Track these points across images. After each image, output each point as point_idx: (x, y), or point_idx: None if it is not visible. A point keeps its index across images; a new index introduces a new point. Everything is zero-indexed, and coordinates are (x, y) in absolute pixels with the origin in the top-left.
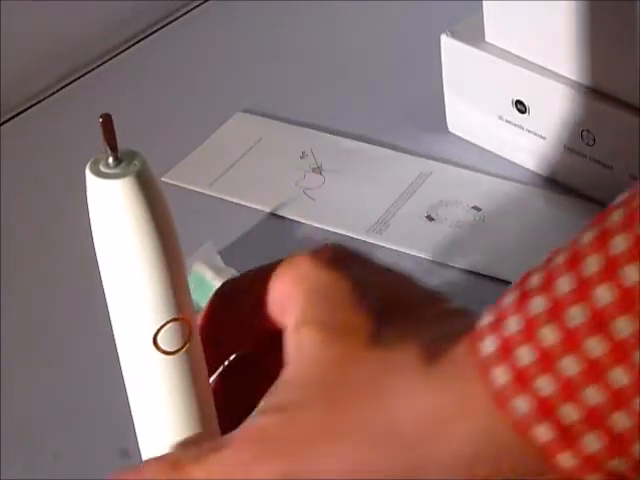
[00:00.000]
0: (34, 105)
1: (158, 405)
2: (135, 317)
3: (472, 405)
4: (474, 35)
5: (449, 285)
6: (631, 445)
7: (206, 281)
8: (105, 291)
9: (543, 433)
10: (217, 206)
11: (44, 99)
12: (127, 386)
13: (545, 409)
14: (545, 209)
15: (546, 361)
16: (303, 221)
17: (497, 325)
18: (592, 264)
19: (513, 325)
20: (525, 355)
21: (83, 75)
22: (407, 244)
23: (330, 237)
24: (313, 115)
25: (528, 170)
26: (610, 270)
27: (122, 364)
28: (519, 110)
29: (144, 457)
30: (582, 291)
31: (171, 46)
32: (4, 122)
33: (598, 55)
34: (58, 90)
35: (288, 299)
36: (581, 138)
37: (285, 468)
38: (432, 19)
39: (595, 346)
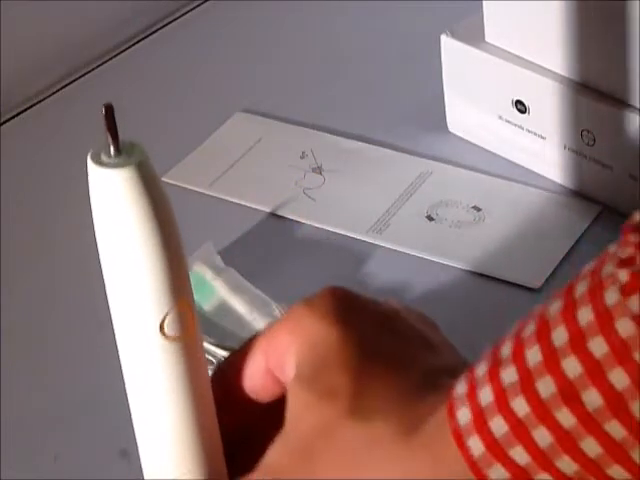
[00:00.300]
0: (34, 105)
1: (161, 393)
2: (139, 305)
3: (448, 471)
4: (474, 35)
5: (449, 285)
6: None
7: (206, 281)
8: (106, 281)
9: None
10: (217, 206)
11: (44, 99)
12: (127, 377)
13: (520, 478)
14: (545, 209)
15: (519, 432)
16: (303, 221)
17: (471, 395)
18: (560, 336)
19: (486, 396)
20: (499, 426)
21: (83, 75)
22: (407, 244)
23: (330, 237)
24: (313, 115)
25: (528, 170)
26: (577, 342)
27: (122, 355)
28: (519, 110)
29: (142, 453)
30: (551, 362)
31: (171, 46)
32: (4, 122)
33: (598, 55)
34: (58, 90)
35: (285, 353)
36: (581, 138)
37: None
38: (432, 19)
39: (566, 417)
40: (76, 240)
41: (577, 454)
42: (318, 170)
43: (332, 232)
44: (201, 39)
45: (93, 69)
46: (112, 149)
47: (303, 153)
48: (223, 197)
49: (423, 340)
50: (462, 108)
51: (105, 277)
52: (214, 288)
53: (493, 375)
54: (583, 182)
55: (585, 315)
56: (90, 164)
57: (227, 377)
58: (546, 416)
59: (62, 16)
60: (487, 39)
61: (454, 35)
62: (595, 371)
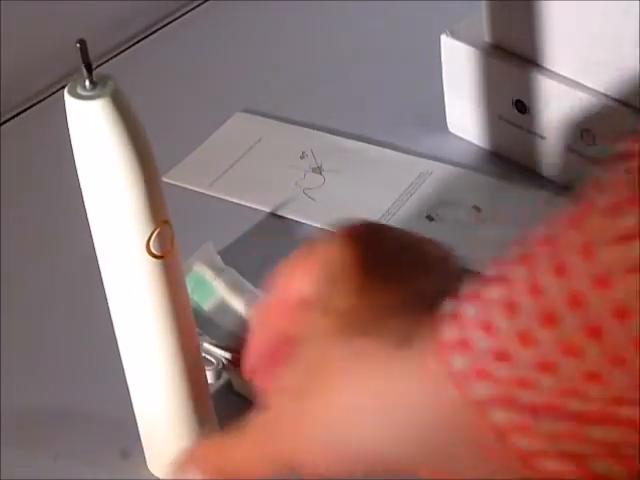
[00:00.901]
0: (34, 105)
1: (148, 310)
2: (125, 228)
3: (433, 382)
4: (474, 35)
5: None
6: (585, 427)
7: (206, 281)
8: (89, 211)
9: (499, 417)
10: (217, 206)
11: (44, 99)
12: (113, 300)
13: (501, 396)
14: (545, 209)
15: (500, 352)
16: (303, 221)
17: (457, 316)
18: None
19: (470, 311)
20: (481, 344)
21: None
22: None
23: None
24: (313, 115)
25: (528, 170)
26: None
27: (108, 279)
28: (519, 110)
29: (128, 371)
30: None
31: (171, 46)
32: (4, 122)
33: (598, 55)
34: (58, 90)
35: (300, 282)
36: (581, 138)
37: (287, 444)
38: (432, 19)
39: (546, 337)
40: (76, 240)
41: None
42: (318, 170)
43: None
44: (201, 39)
45: (93, 69)
46: (87, 82)
47: (303, 153)
48: (223, 197)
49: (433, 267)
50: (462, 108)
51: (88, 207)
52: (214, 288)
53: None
54: (583, 182)
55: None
56: (67, 97)
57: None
58: (528, 339)
59: (62, 16)
60: (487, 39)
61: (454, 35)
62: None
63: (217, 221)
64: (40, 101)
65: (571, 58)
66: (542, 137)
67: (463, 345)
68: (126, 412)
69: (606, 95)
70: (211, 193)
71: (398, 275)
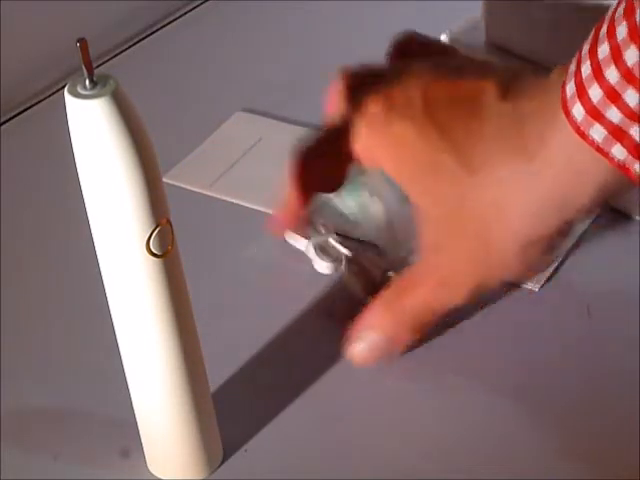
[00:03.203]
0: (34, 105)
1: (148, 309)
2: (125, 227)
3: (556, 140)
4: (474, 35)
5: None
6: None
7: (358, 189)
8: (89, 209)
9: (618, 153)
10: (217, 206)
11: (44, 99)
12: (113, 299)
13: (617, 133)
14: None
15: (612, 96)
16: None
17: (577, 71)
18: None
19: (586, 69)
20: (596, 94)
21: None
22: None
23: None
24: (313, 115)
25: None
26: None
27: (108, 278)
28: None
29: (126, 367)
30: (634, 35)
31: (171, 46)
32: (4, 122)
33: None
34: (58, 90)
35: (375, 151)
36: None
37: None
38: (432, 19)
39: None
40: (77, 240)
41: None
42: None
43: None
44: (201, 39)
45: (95, 67)
46: (87, 81)
47: None
48: (223, 197)
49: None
50: None
51: (88, 206)
52: (359, 188)
53: (592, 52)
54: None
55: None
56: (67, 96)
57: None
58: (633, 80)
59: (62, 16)
60: (487, 39)
61: (454, 35)
62: None
63: (217, 221)
64: (40, 101)
65: (571, 58)
66: None
67: (581, 97)
68: (126, 412)
69: None
70: (211, 193)
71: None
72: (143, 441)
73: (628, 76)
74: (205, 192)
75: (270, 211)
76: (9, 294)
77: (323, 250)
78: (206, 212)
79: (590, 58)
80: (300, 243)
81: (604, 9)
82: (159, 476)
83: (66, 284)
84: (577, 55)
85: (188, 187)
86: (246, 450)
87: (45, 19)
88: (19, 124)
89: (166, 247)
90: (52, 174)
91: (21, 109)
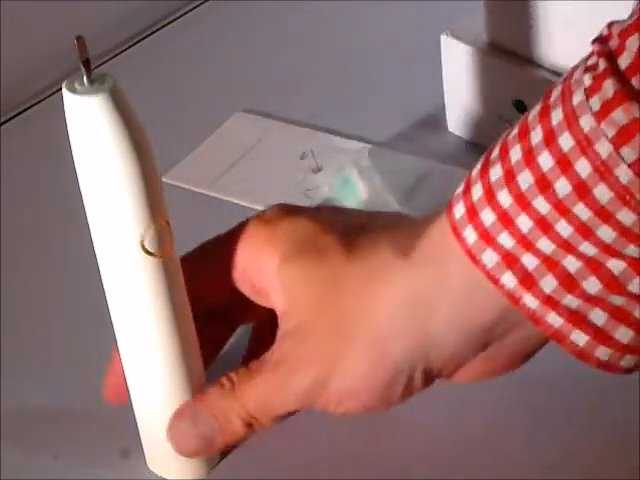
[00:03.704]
0: (34, 105)
1: (142, 308)
2: (120, 225)
3: (449, 270)
4: (474, 35)
5: None
6: (580, 284)
7: (351, 181)
8: (86, 205)
9: (509, 280)
10: (217, 206)
11: (44, 99)
12: (109, 295)
13: (508, 260)
14: None
15: (505, 220)
16: None
17: (466, 192)
18: (536, 135)
19: (477, 192)
20: (488, 217)
21: None
22: None
23: None
24: (313, 115)
25: None
26: (550, 139)
27: (104, 274)
28: (519, 110)
29: (125, 366)
30: (529, 158)
31: (171, 46)
32: (4, 122)
33: None
34: (58, 90)
35: (263, 257)
36: None
37: (312, 376)
38: (432, 19)
39: (542, 204)
40: (76, 240)
41: (553, 235)
42: (318, 171)
43: None
44: (201, 39)
45: (93, 69)
46: (85, 78)
47: (303, 154)
48: (223, 197)
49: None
50: (462, 108)
51: (85, 201)
52: (356, 187)
53: (484, 173)
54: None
55: (556, 115)
56: (65, 93)
57: (197, 262)
58: (525, 205)
59: (62, 16)
60: (487, 39)
61: (454, 35)
62: (563, 163)
63: (217, 221)
64: (40, 101)
65: (572, 58)
66: None
67: (472, 220)
68: (126, 412)
69: None
70: (211, 193)
71: (355, 217)
72: (143, 440)
73: (519, 201)
74: (205, 192)
75: None
76: (9, 294)
77: None
78: (206, 212)
79: (481, 179)
80: None
81: (604, 7)
82: (159, 475)
83: (66, 284)
84: (465, 178)
85: (188, 187)
86: (246, 450)
87: (45, 19)
88: (19, 124)
89: (164, 247)
90: (52, 174)
91: (21, 109)
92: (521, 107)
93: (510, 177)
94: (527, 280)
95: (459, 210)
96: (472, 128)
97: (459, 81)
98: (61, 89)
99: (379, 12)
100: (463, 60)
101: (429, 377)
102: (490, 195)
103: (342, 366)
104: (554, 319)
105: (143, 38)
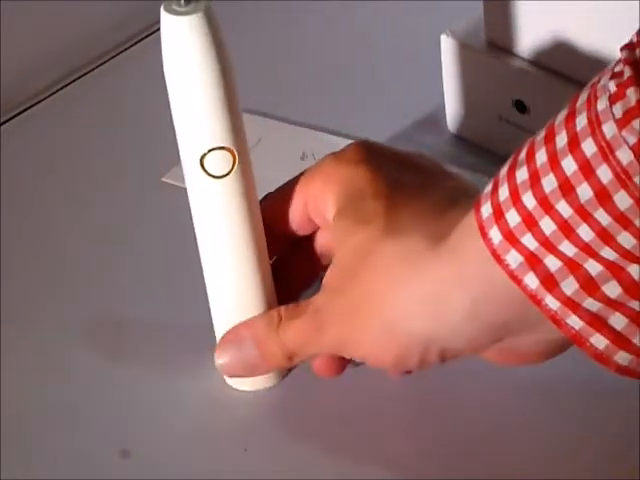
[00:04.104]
0: (34, 105)
1: (208, 226)
2: (189, 141)
3: (473, 267)
4: (474, 35)
5: None
6: (601, 287)
7: None
8: (172, 113)
9: (531, 281)
10: None
11: (44, 99)
12: (192, 209)
13: (531, 262)
14: None
15: (529, 222)
16: None
17: (494, 192)
18: (561, 139)
19: (504, 193)
20: (513, 218)
21: (83, 75)
22: None
23: None
24: (313, 115)
25: None
26: (574, 144)
27: (187, 186)
28: (519, 110)
29: (207, 275)
30: (553, 162)
31: None
32: (4, 122)
33: (598, 55)
34: (58, 90)
35: (321, 197)
36: None
37: (336, 334)
38: (432, 19)
39: (564, 208)
40: (76, 240)
41: (575, 239)
42: None
43: None
44: None
45: (93, 69)
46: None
47: (303, 154)
48: None
49: (441, 169)
50: (462, 108)
51: (173, 108)
52: None
53: (511, 174)
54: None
55: (581, 121)
56: (163, 13)
57: (268, 212)
58: (549, 208)
59: (62, 16)
60: (487, 39)
61: (454, 35)
62: (586, 168)
63: None
64: (40, 101)
65: (572, 58)
66: None
67: (498, 221)
68: (126, 412)
69: None
70: None
71: (418, 181)
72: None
73: (543, 204)
74: None
75: None
76: (9, 294)
77: None
78: None
79: (508, 180)
80: None
81: (605, 7)
82: (235, 386)
83: (66, 284)
84: (493, 178)
85: None
86: (246, 449)
87: (45, 19)
88: (19, 124)
89: (226, 171)
90: (52, 174)
91: (21, 109)
92: (521, 107)
93: (535, 180)
94: (549, 282)
95: (486, 210)
96: (472, 128)
97: (459, 81)
98: (61, 89)
99: (379, 12)
100: (463, 60)
101: (444, 356)
102: (516, 196)
103: (357, 338)
104: (574, 321)
105: (143, 38)
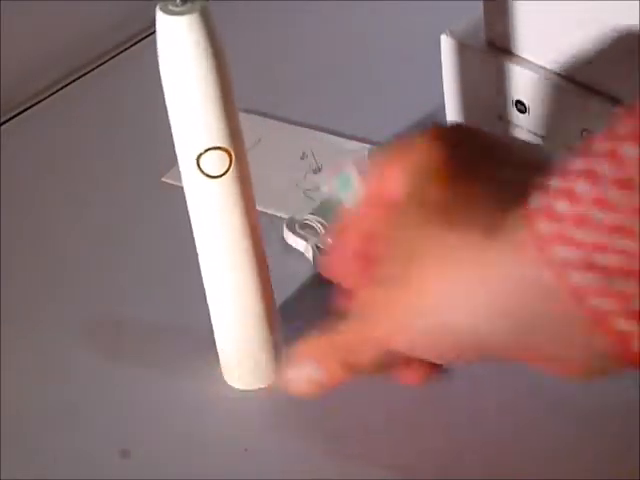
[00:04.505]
0: (34, 105)
1: (203, 226)
2: (185, 141)
3: (524, 257)
4: (474, 35)
5: None
6: None
7: (351, 181)
8: (169, 113)
9: (579, 279)
10: None
11: (44, 99)
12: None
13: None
14: None
15: (582, 219)
16: None
17: (550, 206)
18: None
19: (562, 206)
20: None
21: (83, 75)
22: None
23: None
24: (313, 115)
25: None
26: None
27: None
28: (519, 110)
29: (203, 269)
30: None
31: None
32: (4, 122)
33: (598, 55)
34: (58, 90)
35: (395, 177)
36: (581, 138)
37: (384, 328)
38: (432, 19)
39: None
40: (76, 240)
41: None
42: (318, 171)
43: None
44: None
45: (93, 69)
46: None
47: (303, 154)
48: None
49: (518, 159)
50: (462, 108)
51: (168, 104)
52: (355, 187)
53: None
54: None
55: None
56: (159, 13)
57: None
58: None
59: (62, 16)
60: (487, 39)
61: (454, 35)
62: None
63: None
64: (40, 101)
65: (572, 58)
66: (542, 137)
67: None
68: (126, 412)
69: (606, 95)
70: None
71: (486, 170)
72: (220, 356)
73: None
74: None
75: (269, 211)
76: (9, 294)
77: (322, 251)
78: None
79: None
80: (299, 244)
81: (604, 7)
82: (236, 386)
83: (66, 284)
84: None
85: None
86: (246, 449)
87: (45, 19)
88: (19, 124)
89: (222, 171)
90: (52, 174)
91: (21, 109)
92: (521, 107)
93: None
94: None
95: (546, 226)
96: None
97: (459, 81)
98: (61, 89)
99: (379, 12)
100: (463, 60)
101: (479, 353)
102: (583, 218)
103: (399, 332)
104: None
105: (143, 38)
